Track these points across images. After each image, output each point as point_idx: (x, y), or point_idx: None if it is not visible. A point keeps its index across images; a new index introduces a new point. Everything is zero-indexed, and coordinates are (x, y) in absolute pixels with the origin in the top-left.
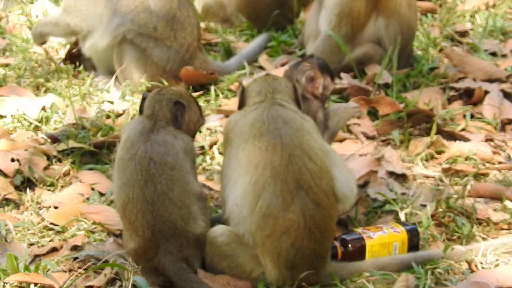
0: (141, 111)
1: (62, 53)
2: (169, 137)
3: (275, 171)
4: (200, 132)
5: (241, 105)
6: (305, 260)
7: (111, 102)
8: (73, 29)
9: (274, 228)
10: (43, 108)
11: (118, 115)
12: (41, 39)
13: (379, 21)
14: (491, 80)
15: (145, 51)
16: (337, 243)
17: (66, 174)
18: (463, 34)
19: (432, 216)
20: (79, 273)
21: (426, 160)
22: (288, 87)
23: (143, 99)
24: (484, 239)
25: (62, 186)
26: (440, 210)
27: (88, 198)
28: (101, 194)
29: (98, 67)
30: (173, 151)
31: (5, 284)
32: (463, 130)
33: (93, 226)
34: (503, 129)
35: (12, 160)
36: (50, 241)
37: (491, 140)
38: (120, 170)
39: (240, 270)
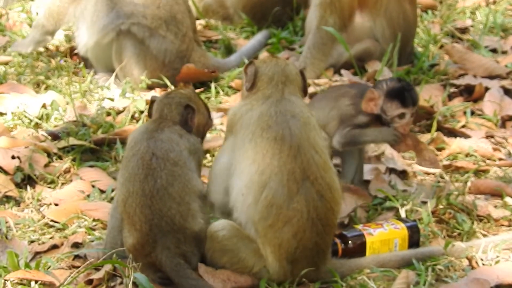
0: (150, 115)
1: (63, 50)
2: (174, 136)
3: (283, 161)
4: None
5: (252, 86)
6: (306, 254)
7: (112, 99)
8: (47, 29)
9: (277, 218)
10: (44, 105)
11: (119, 112)
12: (37, 45)
13: (366, 17)
14: (491, 77)
15: (143, 43)
16: (337, 240)
17: (67, 171)
18: (464, 30)
19: (433, 212)
20: (80, 270)
21: None
22: (298, 74)
23: (152, 102)
24: (484, 235)
25: (62, 183)
26: (441, 206)
27: (88, 195)
28: (102, 191)
29: (96, 66)
30: (177, 149)
31: (6, 281)
32: (463, 126)
33: (94, 223)
34: (503, 125)
35: (13, 157)
36: (50, 238)
37: (492, 136)
38: (124, 167)
39: (241, 265)
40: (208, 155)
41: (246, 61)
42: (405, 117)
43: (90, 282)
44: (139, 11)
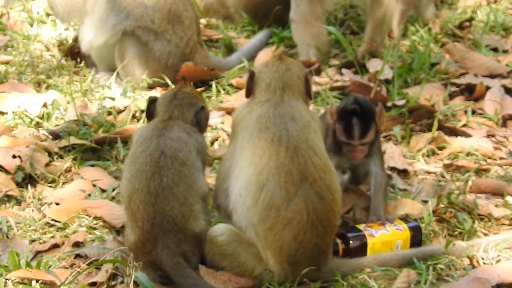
0: (148, 115)
1: (63, 49)
2: (183, 135)
3: (280, 162)
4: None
5: (249, 92)
6: (307, 255)
7: (113, 99)
8: (54, 10)
9: (276, 220)
10: (45, 105)
11: (120, 112)
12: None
13: None
14: (492, 76)
15: (147, 45)
16: (338, 240)
17: (68, 170)
18: (464, 29)
19: (434, 212)
20: (81, 269)
21: (428, 156)
22: (300, 78)
23: (151, 102)
24: (485, 234)
25: (63, 183)
26: (442, 206)
27: (89, 195)
28: (103, 191)
29: (98, 65)
30: (186, 148)
31: (7, 281)
32: (464, 126)
33: (95, 222)
34: (504, 124)
35: (14, 156)
36: (51, 237)
37: (493, 135)
38: (131, 163)
39: (242, 269)
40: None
41: (245, 60)
42: (350, 146)
43: (93, 284)
44: (149, 14)
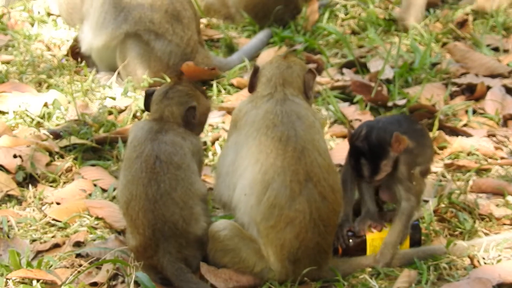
0: (146, 107)
1: (64, 49)
2: (177, 139)
3: (287, 161)
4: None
5: (252, 87)
6: (308, 254)
7: (113, 98)
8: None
9: (279, 219)
10: (45, 104)
11: (120, 111)
12: None
13: None
14: (493, 76)
15: (149, 45)
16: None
17: (69, 170)
18: (465, 28)
19: (435, 211)
20: (82, 269)
21: None
22: (300, 77)
23: (148, 96)
24: (486, 234)
25: (64, 182)
26: (443, 205)
27: (90, 194)
28: (103, 190)
29: (98, 65)
30: (181, 152)
31: (8, 280)
32: (465, 125)
33: (96, 222)
34: (505, 124)
35: (14, 156)
36: (52, 237)
37: (493, 135)
38: (126, 168)
39: (243, 265)
40: (210, 153)
41: (246, 60)
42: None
43: (94, 284)
44: (147, 15)
